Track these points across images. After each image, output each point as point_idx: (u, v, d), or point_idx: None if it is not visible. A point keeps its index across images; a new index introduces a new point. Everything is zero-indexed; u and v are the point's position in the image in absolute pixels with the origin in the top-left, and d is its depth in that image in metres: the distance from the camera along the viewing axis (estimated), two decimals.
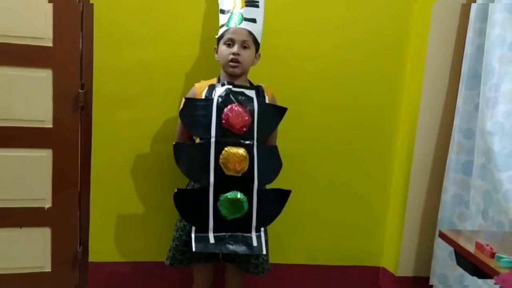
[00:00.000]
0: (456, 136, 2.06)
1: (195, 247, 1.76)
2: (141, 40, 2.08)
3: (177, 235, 1.92)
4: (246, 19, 1.84)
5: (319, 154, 2.31)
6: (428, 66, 2.19)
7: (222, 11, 1.91)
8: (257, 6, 1.88)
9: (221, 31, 1.88)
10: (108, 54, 2.05)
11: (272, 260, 2.00)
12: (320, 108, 2.28)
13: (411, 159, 2.25)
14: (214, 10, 2.00)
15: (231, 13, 1.86)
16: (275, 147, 1.93)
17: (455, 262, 2.00)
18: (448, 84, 2.21)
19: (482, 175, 1.89)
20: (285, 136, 2.04)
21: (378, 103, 2.32)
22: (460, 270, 1.97)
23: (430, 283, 2.18)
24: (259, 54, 1.92)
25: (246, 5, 1.85)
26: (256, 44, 1.88)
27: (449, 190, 2.09)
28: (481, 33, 1.95)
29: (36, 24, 1.96)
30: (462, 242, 1.37)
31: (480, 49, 1.95)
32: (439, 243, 2.10)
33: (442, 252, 2.10)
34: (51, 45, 1.98)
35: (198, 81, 1.94)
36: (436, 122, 2.24)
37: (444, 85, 2.22)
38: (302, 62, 2.22)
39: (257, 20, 1.87)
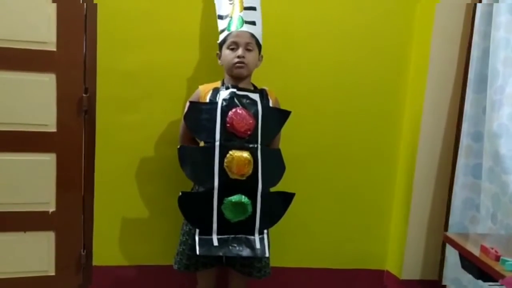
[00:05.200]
0: (464, 139, 2.05)
1: (199, 250, 1.76)
2: (145, 43, 2.09)
3: (183, 239, 1.92)
4: (246, 22, 1.84)
5: (322, 157, 2.30)
6: (432, 67, 2.18)
7: (220, 17, 1.92)
8: (255, 9, 1.89)
9: (222, 35, 1.88)
10: (111, 57, 2.06)
11: (276, 263, 2.00)
12: (323, 111, 2.28)
13: (414, 162, 2.24)
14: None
15: (230, 17, 1.87)
16: (278, 150, 1.93)
17: None
18: (452, 86, 2.20)
19: (490, 178, 1.88)
20: (288, 139, 2.04)
21: (381, 105, 2.32)
22: None
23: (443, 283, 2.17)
24: (262, 56, 1.92)
25: (245, 9, 1.86)
26: (258, 46, 1.88)
27: (459, 194, 2.07)
28: (487, 36, 1.94)
29: (40, 29, 1.97)
30: (467, 246, 1.37)
31: (486, 52, 1.94)
32: (451, 248, 2.08)
33: (455, 256, 2.08)
34: (54, 49, 1.99)
35: (201, 85, 1.94)
36: (440, 124, 2.23)
37: (448, 87, 2.21)
38: (303, 65, 2.22)
39: (257, 22, 1.88)
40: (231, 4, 1.88)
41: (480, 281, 1.91)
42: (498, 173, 1.81)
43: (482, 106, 1.99)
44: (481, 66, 1.99)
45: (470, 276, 1.98)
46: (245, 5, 1.86)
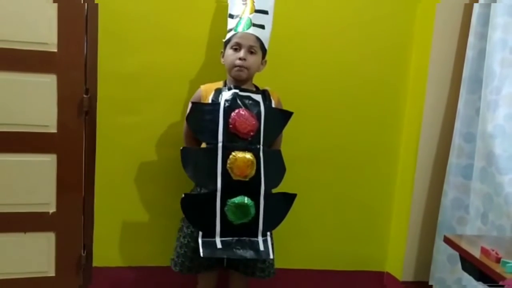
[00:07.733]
0: (456, 140, 2.06)
1: (203, 252, 1.75)
2: (146, 44, 2.09)
3: (185, 242, 1.90)
4: (254, 25, 1.84)
5: (323, 158, 2.31)
6: (432, 67, 2.18)
7: (231, 16, 1.91)
8: (266, 13, 1.88)
9: (228, 35, 1.87)
10: (112, 59, 2.06)
11: (276, 264, 2.00)
12: (323, 112, 2.28)
13: (415, 164, 2.25)
14: (219, 14, 2.01)
15: (240, 18, 1.86)
16: (279, 151, 1.93)
17: (453, 266, 2.02)
18: (453, 86, 2.20)
19: (482, 178, 1.89)
20: (289, 140, 2.04)
21: (381, 106, 2.32)
22: (458, 274, 1.98)
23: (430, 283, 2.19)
24: (266, 61, 1.91)
25: (256, 11, 1.85)
26: (263, 50, 1.88)
27: (449, 194, 2.09)
28: (483, 37, 1.96)
29: (41, 29, 1.97)
30: (467, 247, 1.38)
31: (481, 53, 1.96)
32: (439, 247, 2.10)
33: (441, 255, 2.10)
34: (55, 50, 1.99)
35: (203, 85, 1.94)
36: (441, 126, 2.23)
37: (448, 88, 2.21)
38: (304, 66, 2.23)
39: (266, 26, 1.87)
40: (244, 4, 1.87)
41: (463, 282, 1.95)
42: (491, 173, 1.82)
43: (476, 107, 2.01)
44: (476, 67, 2.00)
45: (455, 277, 2.03)
46: (257, 7, 1.85)
